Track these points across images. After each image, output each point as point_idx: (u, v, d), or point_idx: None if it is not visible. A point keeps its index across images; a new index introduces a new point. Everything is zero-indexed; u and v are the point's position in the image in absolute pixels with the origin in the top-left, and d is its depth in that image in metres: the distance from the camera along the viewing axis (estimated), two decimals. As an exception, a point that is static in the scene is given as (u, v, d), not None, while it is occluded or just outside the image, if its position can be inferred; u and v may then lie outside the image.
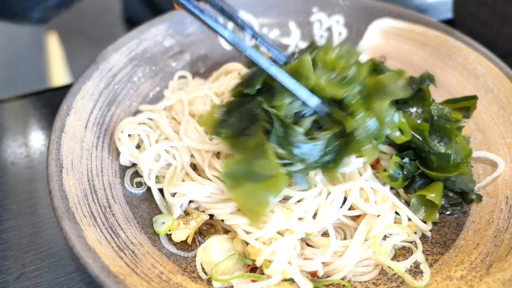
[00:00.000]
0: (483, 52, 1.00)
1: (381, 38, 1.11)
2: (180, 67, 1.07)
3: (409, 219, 0.81)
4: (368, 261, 0.77)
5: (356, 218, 0.82)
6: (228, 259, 0.74)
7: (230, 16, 0.75)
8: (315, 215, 0.78)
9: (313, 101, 0.75)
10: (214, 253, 0.75)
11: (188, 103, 0.93)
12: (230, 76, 1.01)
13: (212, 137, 0.88)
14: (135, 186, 0.85)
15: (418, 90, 0.86)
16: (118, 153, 0.87)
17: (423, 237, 0.81)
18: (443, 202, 0.83)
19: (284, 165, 0.72)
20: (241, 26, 0.75)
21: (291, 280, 0.72)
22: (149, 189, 0.85)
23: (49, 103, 1.11)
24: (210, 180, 0.80)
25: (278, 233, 0.75)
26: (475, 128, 0.94)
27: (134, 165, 0.88)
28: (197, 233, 0.81)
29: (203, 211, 0.81)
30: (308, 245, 0.78)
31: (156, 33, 1.05)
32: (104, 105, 0.91)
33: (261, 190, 0.71)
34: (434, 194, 0.80)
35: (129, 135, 0.88)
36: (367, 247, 0.76)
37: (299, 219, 0.76)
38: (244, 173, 0.71)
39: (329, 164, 0.75)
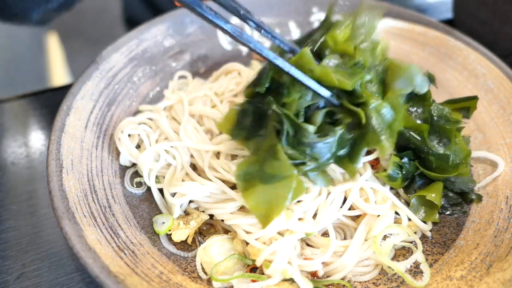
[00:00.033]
0: (483, 52, 1.00)
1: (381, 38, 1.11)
2: (180, 67, 1.07)
3: (409, 219, 0.81)
4: (368, 261, 0.77)
5: (356, 218, 0.82)
6: (228, 259, 0.74)
7: (232, 8, 0.73)
8: (315, 215, 0.78)
9: (324, 91, 0.73)
10: (214, 253, 0.75)
11: (188, 103, 0.93)
12: (230, 76, 1.01)
13: (217, 138, 0.88)
14: (135, 186, 0.85)
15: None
16: (118, 153, 0.87)
17: (423, 237, 0.81)
18: (443, 202, 0.83)
19: (297, 165, 0.71)
20: (244, 18, 0.74)
21: (291, 280, 0.72)
22: (149, 189, 0.85)
23: (49, 103, 1.11)
24: (210, 180, 0.80)
25: (278, 233, 0.75)
26: (475, 128, 0.94)
27: (134, 165, 0.88)
28: (197, 233, 0.81)
29: (203, 211, 0.81)
30: (308, 245, 0.78)
31: (156, 33, 1.05)
32: (104, 105, 0.91)
33: (274, 192, 0.69)
34: (434, 194, 0.80)
35: (129, 135, 0.88)
36: (367, 247, 0.76)
37: (299, 219, 0.76)
38: (256, 174, 0.70)
39: (344, 158, 0.74)
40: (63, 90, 1.00)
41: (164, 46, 1.05)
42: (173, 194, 0.82)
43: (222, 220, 0.79)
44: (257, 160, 0.71)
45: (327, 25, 0.81)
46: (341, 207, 0.79)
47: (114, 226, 0.75)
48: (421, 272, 0.75)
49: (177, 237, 0.77)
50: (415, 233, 0.80)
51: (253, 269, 0.75)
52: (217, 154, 0.86)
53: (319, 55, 0.77)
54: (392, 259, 0.78)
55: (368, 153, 0.84)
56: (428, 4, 1.66)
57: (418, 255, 0.76)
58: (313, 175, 0.73)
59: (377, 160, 0.86)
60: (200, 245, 0.78)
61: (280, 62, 0.70)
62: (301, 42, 0.83)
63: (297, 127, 0.71)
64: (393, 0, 1.20)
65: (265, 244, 0.73)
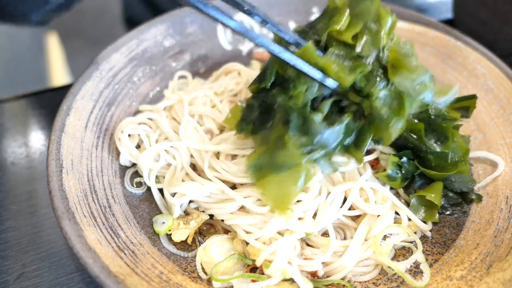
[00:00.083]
0: (483, 52, 1.00)
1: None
2: (180, 67, 1.07)
3: (409, 219, 0.81)
4: (368, 261, 0.77)
5: (356, 218, 0.82)
6: (228, 259, 0.74)
7: (236, 4, 0.73)
8: (315, 215, 0.78)
9: (330, 82, 0.74)
10: (214, 253, 0.75)
11: (188, 103, 0.93)
12: (230, 76, 1.01)
13: (217, 138, 0.88)
14: (135, 186, 0.85)
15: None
16: (118, 153, 0.87)
17: (423, 237, 0.81)
18: (443, 202, 0.83)
19: (306, 153, 0.73)
20: (249, 12, 0.74)
21: (291, 280, 0.72)
22: (149, 189, 0.85)
23: (49, 103, 1.11)
24: (210, 180, 0.80)
25: (278, 233, 0.75)
26: (475, 128, 0.94)
27: (134, 165, 0.88)
28: (197, 233, 0.81)
29: (203, 211, 0.81)
30: (308, 245, 0.78)
31: (156, 33, 1.05)
32: (104, 105, 0.91)
33: (285, 180, 0.72)
34: (433, 194, 0.80)
35: (129, 135, 0.88)
36: (367, 247, 0.76)
37: (299, 219, 0.76)
38: (267, 164, 0.73)
39: (351, 146, 0.77)
40: (63, 90, 1.00)
41: (164, 46, 1.05)
42: (173, 194, 0.82)
43: (222, 220, 0.79)
44: (266, 151, 0.73)
45: (329, 14, 0.82)
46: (341, 207, 0.79)
47: (114, 226, 0.75)
48: (421, 272, 0.75)
49: (177, 237, 0.77)
50: (415, 233, 0.80)
51: (253, 269, 0.75)
52: (217, 154, 0.86)
53: (325, 46, 0.78)
54: (392, 259, 0.78)
55: (368, 153, 0.84)
56: (428, 4, 1.66)
57: (418, 255, 0.76)
58: (321, 163, 0.76)
59: (377, 160, 0.86)
60: (200, 245, 0.78)
61: (286, 56, 0.71)
62: (304, 32, 0.83)
63: (305, 117, 0.73)
64: (393, 0, 1.20)
65: (265, 244, 0.73)
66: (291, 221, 0.74)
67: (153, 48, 1.04)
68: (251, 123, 0.79)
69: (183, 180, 0.83)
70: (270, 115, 0.77)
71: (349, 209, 0.80)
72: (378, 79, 0.75)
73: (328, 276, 0.75)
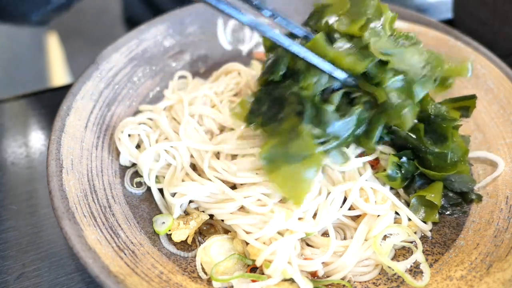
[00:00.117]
0: (483, 52, 1.00)
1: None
2: (180, 67, 1.07)
3: (409, 219, 0.81)
4: (368, 261, 0.77)
5: (356, 218, 0.82)
6: (228, 259, 0.74)
7: None
8: (315, 215, 0.78)
9: (339, 74, 0.75)
10: (214, 253, 0.75)
11: (188, 103, 0.93)
12: (230, 76, 1.01)
13: (217, 138, 0.88)
14: (135, 186, 0.85)
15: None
16: (118, 153, 0.87)
17: (423, 237, 0.81)
18: (443, 202, 0.83)
19: (319, 144, 0.74)
20: (258, 7, 0.74)
21: (291, 280, 0.72)
22: (149, 189, 0.85)
23: (49, 103, 1.11)
24: (210, 180, 0.80)
25: (278, 233, 0.75)
26: (475, 128, 0.94)
27: (134, 165, 0.88)
28: (197, 233, 0.81)
29: (203, 211, 0.81)
30: (308, 245, 0.78)
31: (156, 33, 1.05)
32: (104, 105, 0.91)
33: (299, 170, 0.72)
34: (433, 194, 0.80)
35: (129, 135, 0.88)
36: (367, 247, 0.76)
37: (299, 219, 0.76)
38: (281, 156, 0.73)
39: (361, 136, 0.77)
40: (63, 90, 1.00)
41: (164, 46, 1.05)
42: (173, 194, 0.82)
43: (222, 220, 0.79)
44: (279, 142, 0.74)
45: (321, 11, 0.84)
46: (341, 207, 0.79)
47: (114, 226, 0.75)
48: (421, 272, 0.75)
49: (177, 237, 0.77)
50: (415, 233, 0.80)
51: (253, 269, 0.75)
52: (217, 154, 0.86)
53: (330, 40, 0.79)
54: (392, 259, 0.78)
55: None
56: (428, 4, 1.66)
57: (418, 255, 0.76)
58: (333, 153, 0.77)
59: (377, 160, 0.86)
60: (200, 245, 0.78)
61: (296, 49, 0.72)
62: (307, 25, 0.85)
63: (317, 108, 0.74)
64: (393, 0, 1.20)
65: (265, 244, 0.73)
66: (291, 221, 0.74)
67: (153, 48, 1.04)
68: (260, 116, 0.79)
69: (183, 180, 0.83)
70: (281, 107, 0.77)
71: (349, 209, 0.80)
72: (387, 66, 0.76)
73: (328, 276, 0.75)
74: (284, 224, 0.74)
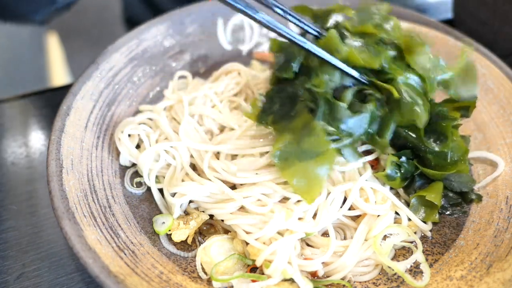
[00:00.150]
0: (483, 52, 1.00)
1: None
2: (180, 67, 1.07)
3: (409, 219, 0.81)
4: (368, 261, 0.77)
5: (356, 218, 0.82)
6: (228, 259, 0.74)
7: None
8: (315, 215, 0.78)
9: (353, 71, 0.76)
10: (214, 253, 0.75)
11: (188, 103, 0.93)
12: (230, 76, 1.01)
13: (217, 138, 0.88)
14: (135, 186, 0.85)
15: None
16: (118, 153, 0.87)
17: (423, 237, 0.81)
18: (443, 202, 0.83)
19: (333, 141, 0.74)
20: (270, 5, 0.74)
21: (291, 280, 0.72)
22: (149, 189, 0.85)
23: (49, 103, 1.11)
24: (210, 180, 0.80)
25: (278, 233, 0.75)
26: (475, 128, 0.94)
27: (134, 165, 0.88)
28: (197, 233, 0.81)
29: (203, 211, 0.81)
30: (308, 245, 0.78)
31: (156, 33, 1.05)
32: (104, 105, 0.91)
33: (312, 167, 0.72)
34: (433, 195, 0.80)
35: (129, 135, 0.88)
36: (367, 247, 0.76)
37: (299, 219, 0.76)
38: (293, 153, 0.73)
39: (373, 135, 0.78)
40: (63, 90, 1.00)
41: (164, 46, 1.05)
42: (173, 194, 0.82)
43: (222, 220, 0.79)
44: (292, 138, 0.74)
45: (324, 14, 0.85)
46: (341, 207, 0.79)
47: (114, 226, 0.75)
48: (421, 272, 0.75)
49: (177, 237, 0.77)
50: (415, 233, 0.80)
51: (253, 269, 0.75)
52: (217, 154, 0.86)
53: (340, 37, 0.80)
54: (392, 259, 0.78)
55: (368, 153, 0.84)
56: (428, 4, 1.66)
57: (418, 255, 0.76)
58: (345, 151, 0.77)
59: (377, 160, 0.86)
60: (200, 245, 0.78)
61: (311, 47, 0.72)
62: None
63: (331, 104, 0.74)
64: (393, 0, 1.20)
65: (265, 244, 0.73)
66: (291, 221, 0.74)
67: (153, 48, 1.04)
68: (271, 114, 0.79)
69: (183, 180, 0.83)
70: (293, 104, 0.77)
71: (349, 209, 0.80)
72: (399, 63, 0.77)
73: (328, 276, 0.75)
74: (284, 224, 0.74)
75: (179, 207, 0.81)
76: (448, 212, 0.83)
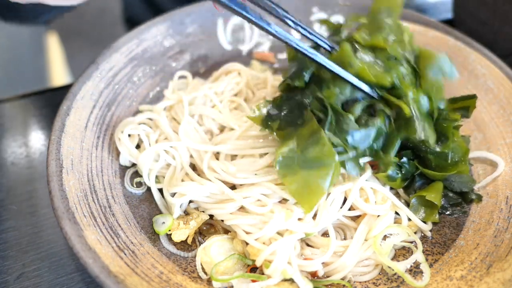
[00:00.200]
0: (483, 52, 1.00)
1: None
2: (180, 67, 1.07)
3: (409, 219, 0.81)
4: (368, 261, 0.77)
5: (356, 218, 0.82)
6: (228, 259, 0.74)
7: (270, 8, 0.73)
8: (315, 216, 0.78)
9: (365, 86, 0.75)
10: (214, 253, 0.75)
11: (188, 103, 0.93)
12: (230, 76, 1.01)
13: (216, 138, 0.88)
14: (135, 186, 0.85)
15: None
16: (118, 153, 0.87)
17: (423, 237, 0.81)
18: (443, 202, 0.83)
19: (338, 153, 0.73)
20: (282, 17, 0.74)
21: (291, 280, 0.72)
22: (149, 189, 0.85)
23: (49, 103, 1.11)
24: (210, 180, 0.80)
25: (278, 233, 0.75)
26: (475, 128, 0.94)
27: (134, 165, 0.88)
28: (197, 233, 0.81)
29: (203, 211, 0.81)
30: (308, 245, 0.78)
31: (156, 33, 1.05)
32: (104, 105, 0.91)
33: (315, 178, 0.71)
34: (433, 195, 0.80)
35: (129, 135, 0.88)
36: (367, 247, 0.76)
37: (299, 219, 0.76)
38: (296, 160, 0.72)
39: (378, 150, 0.77)
40: (63, 90, 1.00)
41: (164, 46, 1.05)
42: (173, 194, 0.82)
43: (222, 220, 0.79)
44: (297, 146, 0.73)
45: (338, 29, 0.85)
46: (341, 208, 0.79)
47: (114, 226, 0.75)
48: (421, 272, 0.75)
49: (177, 237, 0.77)
50: (415, 233, 0.80)
51: (253, 269, 0.75)
52: (217, 154, 0.86)
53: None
54: (392, 259, 0.78)
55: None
56: (428, 4, 1.66)
57: (418, 255, 0.76)
58: (348, 164, 0.76)
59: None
60: (200, 245, 0.78)
61: (323, 60, 0.72)
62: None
63: (340, 116, 0.74)
64: (393, 0, 1.20)
65: (265, 244, 0.73)
66: (290, 222, 0.74)
67: (153, 48, 1.04)
68: (277, 120, 0.79)
69: (182, 180, 0.83)
70: (301, 112, 0.77)
71: (349, 209, 0.80)
72: (408, 79, 0.77)
73: (328, 276, 0.75)
74: (284, 225, 0.73)
75: (179, 207, 0.81)
76: (448, 212, 0.83)
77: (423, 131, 0.76)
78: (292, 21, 0.74)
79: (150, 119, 0.92)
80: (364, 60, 0.76)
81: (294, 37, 0.71)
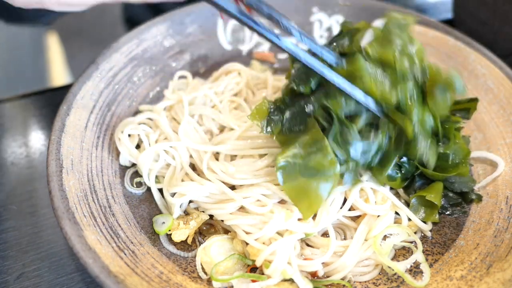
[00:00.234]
0: (483, 52, 1.00)
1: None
2: (180, 67, 1.07)
3: (409, 219, 0.81)
4: (368, 261, 0.77)
5: (356, 218, 0.82)
6: (228, 259, 0.74)
7: (274, 19, 0.72)
8: (314, 216, 0.77)
9: (371, 103, 0.74)
10: (214, 253, 0.75)
11: (188, 103, 0.93)
12: (230, 76, 1.01)
13: (216, 138, 0.88)
14: (135, 186, 0.85)
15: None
16: (118, 153, 0.87)
17: (423, 237, 0.81)
18: (443, 202, 0.83)
19: (340, 163, 0.73)
20: (289, 30, 0.73)
21: (291, 280, 0.72)
22: (149, 189, 0.85)
23: (49, 103, 1.11)
24: (210, 180, 0.80)
25: (278, 233, 0.75)
26: (475, 128, 0.94)
27: (134, 165, 0.88)
28: (197, 233, 0.81)
29: (203, 211, 0.81)
30: (308, 245, 0.78)
31: (156, 33, 1.05)
32: (104, 105, 0.91)
33: (315, 186, 0.72)
34: (433, 195, 0.80)
35: (129, 135, 0.88)
36: (367, 247, 0.76)
37: (299, 219, 0.76)
38: (297, 167, 0.72)
39: (376, 165, 0.77)
40: (63, 90, 1.00)
41: (164, 46, 1.05)
42: (173, 194, 0.82)
43: (222, 220, 0.79)
44: (299, 153, 0.73)
45: (352, 33, 0.83)
46: (341, 208, 0.79)
47: (114, 226, 0.75)
48: (421, 272, 0.75)
49: (177, 237, 0.77)
50: (415, 233, 0.80)
51: (253, 269, 0.75)
52: (217, 154, 0.86)
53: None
54: (392, 259, 0.78)
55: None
56: (428, 4, 1.66)
57: (418, 255, 0.76)
58: (347, 175, 0.76)
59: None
60: (200, 245, 0.78)
61: (331, 76, 0.72)
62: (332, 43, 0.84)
63: (344, 126, 0.73)
64: (393, 0, 1.20)
65: (265, 244, 0.73)
66: (290, 222, 0.74)
67: (153, 48, 1.04)
68: (279, 124, 0.78)
69: (182, 180, 0.83)
70: (304, 119, 0.76)
71: (349, 209, 0.80)
72: (415, 95, 0.75)
73: (328, 276, 0.75)
74: (284, 225, 0.74)
75: (179, 207, 0.81)
76: (448, 212, 0.83)
77: (424, 153, 0.76)
78: (298, 31, 0.73)
79: (150, 119, 0.92)
80: (372, 75, 0.75)
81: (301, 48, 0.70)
